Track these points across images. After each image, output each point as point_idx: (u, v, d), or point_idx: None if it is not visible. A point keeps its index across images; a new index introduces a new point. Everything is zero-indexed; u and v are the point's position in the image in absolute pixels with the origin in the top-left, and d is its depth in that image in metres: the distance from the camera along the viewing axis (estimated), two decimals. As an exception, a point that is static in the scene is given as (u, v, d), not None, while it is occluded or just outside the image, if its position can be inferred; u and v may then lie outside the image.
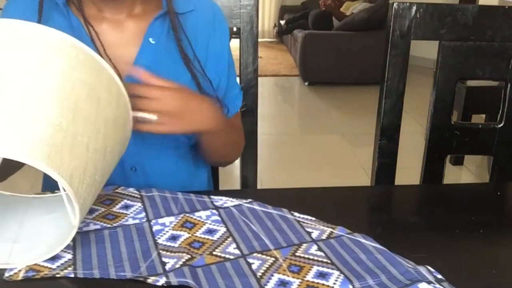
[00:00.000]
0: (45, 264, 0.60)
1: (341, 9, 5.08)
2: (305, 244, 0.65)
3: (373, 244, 0.65)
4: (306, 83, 4.66)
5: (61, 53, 0.61)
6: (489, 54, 1.01)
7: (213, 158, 0.98)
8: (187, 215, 0.72)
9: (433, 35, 1.00)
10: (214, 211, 0.73)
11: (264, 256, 0.62)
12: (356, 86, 4.56)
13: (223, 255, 0.63)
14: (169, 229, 0.68)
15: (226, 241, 0.66)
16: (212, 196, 0.78)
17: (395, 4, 0.98)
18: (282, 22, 5.95)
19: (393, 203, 0.89)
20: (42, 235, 0.66)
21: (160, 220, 0.70)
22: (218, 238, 0.66)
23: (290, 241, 0.66)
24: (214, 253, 0.63)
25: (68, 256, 0.62)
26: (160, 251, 0.63)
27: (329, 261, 0.62)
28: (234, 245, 0.65)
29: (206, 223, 0.70)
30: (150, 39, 0.85)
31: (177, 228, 0.69)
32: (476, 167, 2.89)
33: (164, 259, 0.61)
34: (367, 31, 4.52)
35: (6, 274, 0.59)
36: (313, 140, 3.30)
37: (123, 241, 0.65)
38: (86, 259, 0.61)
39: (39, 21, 0.80)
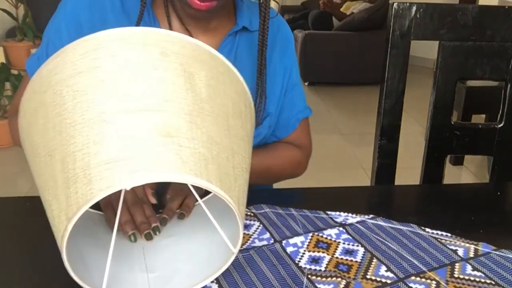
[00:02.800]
0: None
1: (341, 9, 5.08)
2: (457, 264, 0.63)
3: None
4: (306, 83, 4.65)
5: (205, 66, 0.57)
6: (489, 54, 1.01)
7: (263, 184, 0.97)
8: (316, 234, 0.69)
9: (433, 35, 1.00)
10: (341, 228, 0.71)
11: (424, 280, 0.60)
12: (356, 86, 4.56)
13: (378, 279, 0.60)
14: (305, 251, 0.66)
15: (373, 263, 0.63)
16: (328, 212, 0.76)
17: (395, 4, 0.98)
18: (282, 22, 5.94)
19: (393, 203, 0.89)
20: (174, 263, 0.62)
21: (291, 241, 0.68)
22: (361, 259, 0.64)
23: (439, 261, 0.64)
24: (368, 276, 0.61)
25: (214, 286, 0.59)
26: (309, 276, 0.61)
27: (493, 282, 0.60)
28: (384, 268, 0.63)
29: (339, 242, 0.68)
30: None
31: (312, 249, 0.66)
32: (476, 167, 2.88)
33: (318, 285, 0.59)
34: (367, 31, 4.52)
35: None
36: (313, 140, 3.29)
37: (264, 265, 0.63)
38: (233, 287, 0.59)
39: (139, 18, 0.80)
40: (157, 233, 0.66)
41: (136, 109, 0.50)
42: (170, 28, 0.85)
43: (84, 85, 0.51)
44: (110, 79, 0.51)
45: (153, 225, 0.67)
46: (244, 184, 0.56)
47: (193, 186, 0.65)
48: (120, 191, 0.64)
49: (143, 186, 0.69)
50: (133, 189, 0.69)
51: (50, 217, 0.52)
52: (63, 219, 0.48)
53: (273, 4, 0.84)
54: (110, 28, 0.83)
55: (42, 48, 0.88)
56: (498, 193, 0.88)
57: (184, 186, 0.72)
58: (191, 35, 0.85)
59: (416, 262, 0.64)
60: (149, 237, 0.65)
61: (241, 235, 0.55)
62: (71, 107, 0.50)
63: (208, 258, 0.61)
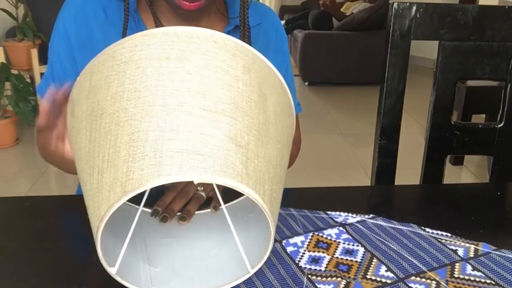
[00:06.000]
0: None
1: (341, 9, 5.08)
2: (457, 264, 0.63)
3: None
4: (306, 83, 4.66)
5: (275, 92, 0.58)
6: (489, 54, 1.01)
7: None
8: (316, 234, 0.69)
9: (433, 35, 1.00)
10: (341, 228, 0.71)
11: (424, 280, 0.60)
12: (356, 86, 4.56)
13: (378, 279, 0.60)
14: (305, 250, 0.66)
15: (373, 263, 0.63)
16: (328, 212, 0.76)
17: (395, 4, 0.98)
18: (282, 22, 5.95)
19: (393, 203, 0.89)
20: (177, 264, 0.63)
21: (291, 240, 0.68)
22: (361, 259, 0.64)
23: (439, 261, 0.64)
24: (368, 276, 0.61)
25: None
26: (309, 275, 0.61)
27: (493, 282, 0.60)
28: (384, 268, 0.62)
29: (340, 242, 0.68)
30: None
31: (312, 249, 0.66)
32: (476, 167, 2.89)
33: (318, 285, 0.59)
34: (367, 31, 4.52)
35: None
36: (313, 140, 3.29)
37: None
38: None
39: (125, 26, 0.81)
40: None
41: (214, 110, 0.51)
42: (158, 25, 0.85)
43: (170, 71, 0.52)
44: (196, 74, 0.52)
45: (181, 214, 0.68)
46: (278, 212, 0.58)
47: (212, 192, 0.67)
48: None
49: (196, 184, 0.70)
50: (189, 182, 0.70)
51: (95, 182, 0.51)
52: (118, 190, 0.48)
53: (273, 4, 0.85)
54: (96, 41, 0.83)
55: (48, 69, 0.90)
56: (498, 193, 0.88)
57: (190, 190, 0.72)
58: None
59: (416, 262, 0.64)
60: (165, 220, 0.67)
61: (264, 260, 0.57)
62: (153, 87, 0.51)
63: (212, 269, 0.61)
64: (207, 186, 0.74)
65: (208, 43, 0.54)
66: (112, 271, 0.54)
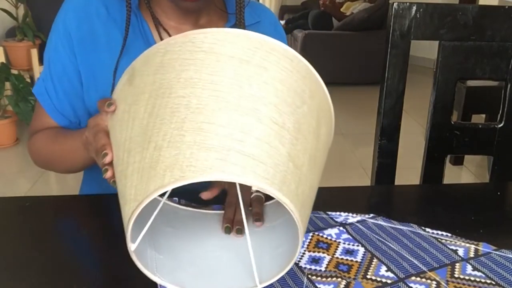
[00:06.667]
0: None
1: (341, 9, 5.08)
2: (457, 264, 0.63)
3: None
4: (306, 83, 4.65)
5: (327, 121, 0.59)
6: (489, 54, 1.01)
7: None
8: (316, 234, 0.69)
9: (433, 35, 1.00)
10: (341, 228, 0.71)
11: (424, 280, 0.60)
12: (356, 86, 4.56)
13: (378, 279, 0.60)
14: (305, 251, 0.66)
15: (373, 263, 0.63)
16: (328, 212, 0.75)
17: (395, 4, 0.98)
18: (282, 22, 5.95)
19: (393, 203, 0.89)
20: (181, 258, 0.63)
21: None
22: (362, 259, 0.64)
23: (439, 261, 0.64)
24: (368, 276, 0.61)
25: None
26: (309, 275, 0.61)
27: (493, 282, 0.60)
28: (384, 268, 0.62)
29: (340, 242, 0.68)
30: None
31: (312, 249, 0.66)
32: (476, 167, 2.89)
33: (319, 285, 0.59)
34: (367, 31, 4.52)
35: None
36: (313, 140, 3.29)
37: None
38: None
39: (127, 23, 0.81)
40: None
41: (281, 125, 0.51)
42: (159, 27, 0.86)
43: (249, 75, 0.52)
44: (271, 85, 0.53)
45: (254, 218, 0.69)
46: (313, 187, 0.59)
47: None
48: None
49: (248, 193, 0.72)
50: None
51: (149, 157, 0.50)
52: (176, 174, 0.47)
53: (273, 4, 0.87)
54: (98, 38, 0.83)
55: (45, 69, 0.89)
56: (498, 193, 0.88)
57: (246, 202, 0.73)
58: (168, 33, 0.86)
59: (416, 262, 0.64)
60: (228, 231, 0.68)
61: (275, 278, 0.57)
62: (229, 85, 0.51)
63: (216, 270, 0.61)
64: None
65: (285, 60, 0.55)
66: (132, 247, 0.53)
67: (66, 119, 0.89)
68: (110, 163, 0.58)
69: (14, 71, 3.02)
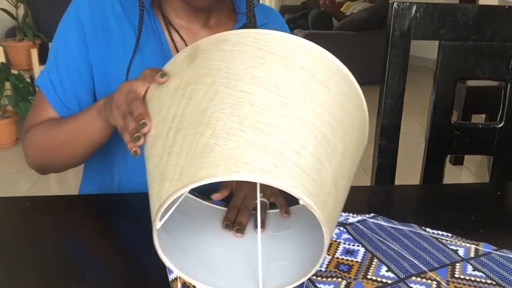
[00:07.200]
0: None
1: (341, 9, 5.08)
2: (458, 264, 0.63)
3: None
4: (306, 83, 4.65)
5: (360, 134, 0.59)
6: (489, 54, 1.01)
7: None
8: None
9: (433, 35, 1.00)
10: (341, 228, 0.71)
11: (425, 280, 0.60)
12: (356, 86, 4.55)
13: (379, 279, 0.60)
14: None
15: (373, 263, 0.63)
16: None
17: (395, 4, 0.98)
18: (282, 22, 5.94)
19: (393, 203, 0.89)
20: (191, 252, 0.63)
21: None
22: (362, 259, 0.64)
23: (440, 261, 0.64)
24: (368, 277, 0.61)
25: None
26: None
27: (493, 282, 0.60)
28: (384, 268, 0.62)
29: (340, 242, 0.68)
30: None
31: None
32: (476, 167, 2.89)
33: (319, 285, 0.59)
34: (367, 31, 4.52)
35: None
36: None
37: None
38: None
39: (140, 21, 0.82)
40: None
41: (332, 145, 0.52)
42: (170, 26, 0.87)
43: (313, 89, 0.53)
44: (330, 105, 0.53)
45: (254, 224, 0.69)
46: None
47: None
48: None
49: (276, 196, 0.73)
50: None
51: (203, 143, 0.49)
52: (231, 168, 0.46)
53: (273, 4, 0.88)
54: (112, 34, 0.83)
55: (51, 61, 0.87)
56: (498, 193, 0.88)
57: (250, 204, 0.73)
58: (178, 33, 0.87)
59: (416, 262, 0.64)
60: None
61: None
62: (293, 94, 0.52)
63: (219, 266, 0.61)
64: (266, 192, 0.74)
65: (345, 85, 0.56)
66: (158, 225, 0.53)
67: (69, 111, 0.86)
68: (144, 134, 0.56)
69: (14, 71, 3.02)
